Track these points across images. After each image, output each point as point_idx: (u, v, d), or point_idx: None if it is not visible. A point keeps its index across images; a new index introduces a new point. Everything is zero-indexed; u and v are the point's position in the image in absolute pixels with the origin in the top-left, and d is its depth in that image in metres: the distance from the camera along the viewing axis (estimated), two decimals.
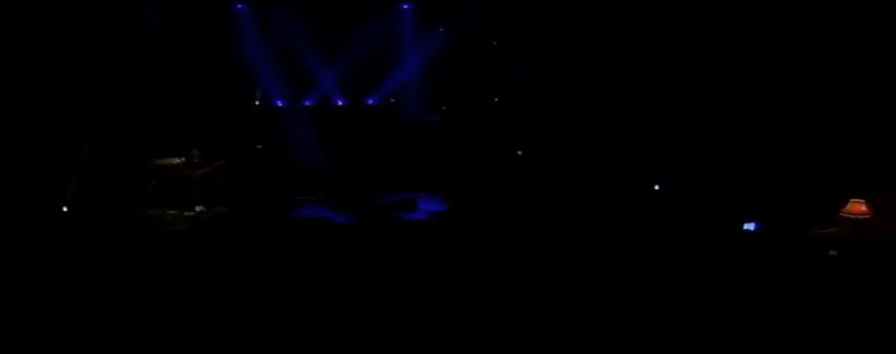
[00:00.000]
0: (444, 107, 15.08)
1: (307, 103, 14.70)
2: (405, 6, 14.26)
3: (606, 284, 7.41)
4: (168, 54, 13.14)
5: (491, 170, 13.93)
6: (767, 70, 11.32)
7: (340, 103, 14.88)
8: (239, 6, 13.68)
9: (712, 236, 9.53)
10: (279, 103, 14.59)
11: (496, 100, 14.74)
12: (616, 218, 10.71)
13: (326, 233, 10.74)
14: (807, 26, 10.78)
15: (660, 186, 12.49)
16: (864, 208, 8.73)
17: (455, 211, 12.44)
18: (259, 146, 13.90)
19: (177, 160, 12.40)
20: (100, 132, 12.68)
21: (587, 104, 13.40)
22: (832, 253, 8.35)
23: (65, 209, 11.90)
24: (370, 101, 14.94)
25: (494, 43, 14.53)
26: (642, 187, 12.51)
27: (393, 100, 15.00)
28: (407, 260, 8.68)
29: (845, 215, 8.82)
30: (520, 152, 14.29)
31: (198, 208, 12.27)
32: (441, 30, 14.42)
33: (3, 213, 10.80)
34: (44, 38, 12.02)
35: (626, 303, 6.80)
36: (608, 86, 13.17)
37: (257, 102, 14.48)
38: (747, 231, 9.75)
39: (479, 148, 14.41)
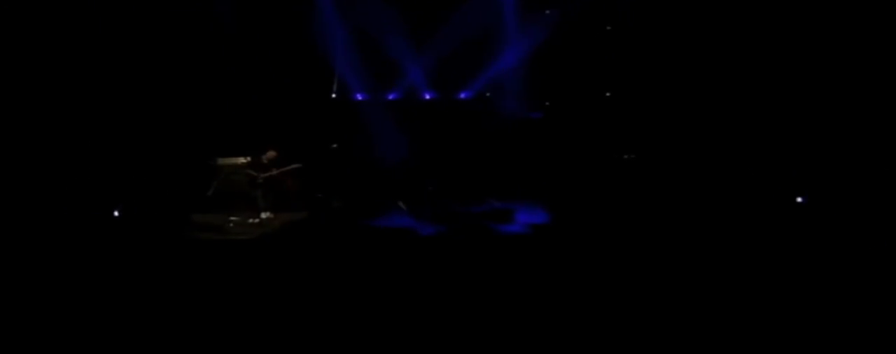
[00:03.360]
0: (547, 103, 14.58)
1: (391, 97, 14.56)
2: None
3: (735, 316, 7.05)
4: (236, 42, 13.16)
5: (600, 177, 13.54)
6: None
7: (428, 97, 14.68)
8: None
9: (863, 257, 8.92)
10: (359, 97, 14.46)
11: (608, 95, 14.24)
12: (749, 238, 10.12)
13: (409, 246, 10.51)
14: None
15: (803, 199, 11.93)
16: None
17: (559, 224, 11.96)
18: (334, 145, 13.75)
19: (242, 160, 12.19)
20: (156, 128, 12.80)
21: (716, 100, 12.98)
22: None
23: (115, 213, 11.91)
24: (463, 95, 14.67)
25: (608, 28, 14.08)
26: (782, 199, 11.98)
27: (489, 94, 14.66)
28: (501, 279, 8.38)
29: None
30: (632, 156, 13.83)
31: (264, 215, 12.09)
32: (546, 13, 14.04)
33: (48, 217, 10.98)
34: (93, 26, 12.42)
35: (760, 338, 6.55)
36: (742, 80, 12.75)
37: (334, 95, 14.35)
38: None
39: (588, 150, 13.97)
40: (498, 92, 14.54)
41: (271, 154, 12.31)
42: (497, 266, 9.11)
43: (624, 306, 7.37)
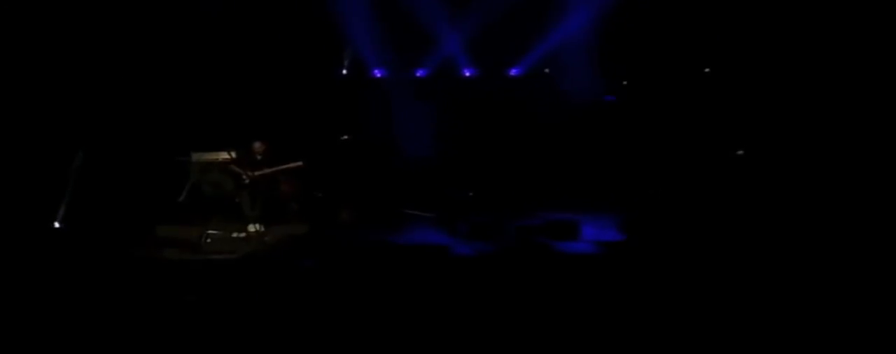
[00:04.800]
0: (625, 82, 14.10)
1: (419, 74, 14.18)
2: None
3: None
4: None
5: (696, 180, 12.77)
6: None
7: (469, 74, 14.23)
8: None
9: None
10: (377, 73, 14.09)
11: (707, 71, 13.57)
12: None
13: (443, 269, 9.63)
14: None
15: None
16: None
17: (637, 242, 11.09)
18: (345, 137, 13.15)
19: (223, 155, 11.86)
20: (109, 112, 12.38)
21: (859, 77, 12.15)
22: None
23: (56, 224, 11.38)
24: (514, 72, 14.17)
25: None
26: None
27: (548, 71, 14.10)
28: (562, 313, 7.54)
29: None
30: (741, 151, 12.95)
31: (252, 228, 11.28)
32: None
33: None
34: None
35: None
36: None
37: (345, 71, 13.99)
38: None
39: (679, 144, 13.34)
40: (560, 68, 13.96)
41: (259, 147, 11.66)
42: (557, 296, 8.17)
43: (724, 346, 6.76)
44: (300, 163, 11.81)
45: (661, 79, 13.89)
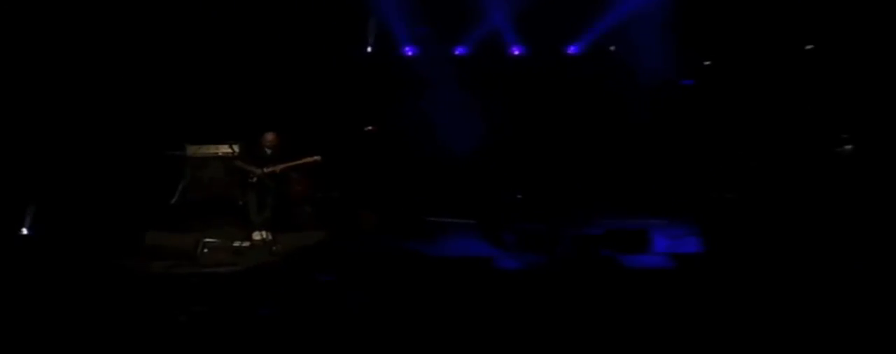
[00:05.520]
0: (707, 62, 13.20)
1: (459, 51, 13.45)
2: None
3: None
4: None
5: (792, 180, 11.68)
6: None
7: (518, 52, 13.43)
8: None
9: None
10: (408, 51, 13.38)
11: (809, 48, 12.47)
12: None
13: (486, 287, 8.82)
14: None
15: None
16: None
17: (719, 254, 10.21)
18: (369, 127, 12.70)
19: (225, 149, 10.99)
20: (92, 102, 11.65)
21: None
22: None
23: (24, 230, 10.73)
24: (572, 50, 13.34)
25: None
26: None
27: (613, 49, 13.32)
28: (632, 341, 6.98)
29: None
30: (849, 146, 11.77)
31: (258, 235, 10.53)
32: None
33: None
34: None
35: None
36: None
37: (369, 49, 13.33)
38: None
39: (772, 137, 12.36)
40: (628, 45, 13.07)
41: (270, 138, 10.80)
42: (623, 320, 7.45)
43: None
44: (317, 158, 10.98)
45: (750, 58, 12.88)
